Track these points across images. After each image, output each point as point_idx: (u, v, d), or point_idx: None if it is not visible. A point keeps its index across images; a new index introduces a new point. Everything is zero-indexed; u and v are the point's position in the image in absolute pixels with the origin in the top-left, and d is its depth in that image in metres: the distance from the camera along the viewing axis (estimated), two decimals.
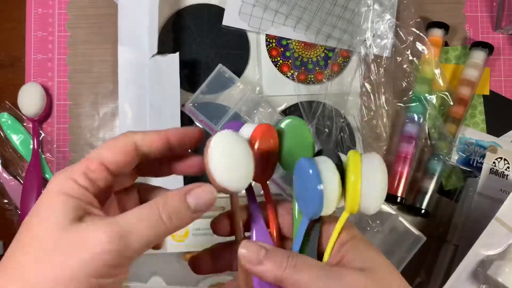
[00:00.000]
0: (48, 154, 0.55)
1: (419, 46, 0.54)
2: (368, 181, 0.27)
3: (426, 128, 0.55)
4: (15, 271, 0.23)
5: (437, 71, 0.54)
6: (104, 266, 0.23)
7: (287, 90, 0.56)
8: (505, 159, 0.50)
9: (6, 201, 0.54)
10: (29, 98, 0.53)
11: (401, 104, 0.55)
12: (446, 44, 0.58)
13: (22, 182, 0.54)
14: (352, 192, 0.27)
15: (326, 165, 0.28)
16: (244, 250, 0.27)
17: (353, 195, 0.27)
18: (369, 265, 0.27)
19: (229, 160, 0.27)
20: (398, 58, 0.55)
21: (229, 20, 0.56)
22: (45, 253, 0.23)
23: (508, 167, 0.50)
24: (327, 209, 0.28)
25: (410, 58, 0.55)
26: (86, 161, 0.27)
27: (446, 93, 0.54)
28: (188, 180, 0.54)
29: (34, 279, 0.22)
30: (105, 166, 0.27)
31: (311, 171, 0.27)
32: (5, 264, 0.23)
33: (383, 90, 0.55)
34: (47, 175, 0.54)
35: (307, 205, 0.28)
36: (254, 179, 0.29)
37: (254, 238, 0.30)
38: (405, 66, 0.55)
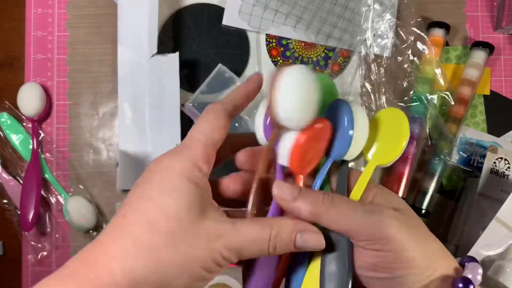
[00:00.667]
0: (47, 154, 0.55)
1: (420, 46, 0.54)
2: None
3: (427, 128, 0.55)
4: (148, 250, 0.24)
5: (438, 71, 0.54)
6: (216, 267, 0.25)
7: None
8: (505, 159, 0.50)
9: (5, 201, 0.54)
10: (29, 98, 0.53)
11: (402, 104, 0.55)
12: (446, 44, 0.58)
13: (21, 182, 0.54)
14: (393, 147, 0.30)
15: (359, 111, 0.30)
16: (277, 189, 0.28)
17: (394, 150, 0.30)
18: (399, 206, 0.28)
19: (298, 92, 0.27)
20: (398, 57, 0.55)
21: (229, 19, 0.56)
22: (175, 237, 0.24)
23: (509, 167, 0.50)
24: (352, 154, 0.30)
25: (411, 58, 0.55)
26: (204, 146, 0.27)
27: (447, 92, 0.54)
28: None
29: (166, 254, 0.24)
30: (216, 148, 0.28)
31: (346, 115, 0.29)
32: (136, 243, 0.24)
33: (383, 90, 0.55)
34: (46, 175, 0.54)
35: (334, 146, 0.30)
36: (292, 169, 0.29)
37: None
38: (405, 65, 0.55)
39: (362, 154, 0.31)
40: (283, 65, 0.29)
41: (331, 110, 0.30)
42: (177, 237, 0.24)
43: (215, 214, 0.26)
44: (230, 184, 0.30)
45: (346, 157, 0.30)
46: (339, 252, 0.29)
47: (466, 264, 0.28)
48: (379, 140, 0.31)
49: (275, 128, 0.29)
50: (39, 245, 0.54)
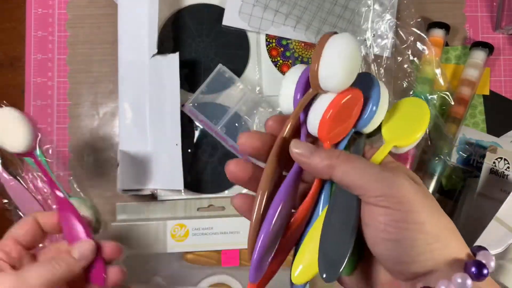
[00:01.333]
0: (48, 152, 0.55)
1: (420, 46, 0.54)
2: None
3: (427, 128, 0.55)
4: None
5: (437, 71, 0.54)
6: None
7: None
8: (505, 159, 0.50)
9: (5, 200, 0.54)
10: (11, 133, 0.41)
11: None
12: (446, 44, 0.58)
13: (22, 182, 0.54)
14: (412, 132, 0.31)
15: (383, 87, 0.31)
16: (295, 146, 0.29)
17: (412, 135, 0.31)
18: (417, 181, 0.29)
19: (345, 56, 0.28)
20: (398, 58, 0.55)
21: (229, 20, 0.56)
22: None
23: (508, 167, 0.50)
24: (370, 127, 0.31)
25: (411, 58, 0.55)
26: (4, 240, 0.39)
27: (447, 93, 0.54)
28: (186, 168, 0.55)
29: None
30: (19, 242, 0.39)
31: (374, 88, 0.31)
32: None
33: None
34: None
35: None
36: (321, 136, 0.30)
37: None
38: (405, 66, 0.55)
39: (379, 133, 0.33)
40: (330, 33, 0.29)
41: (357, 82, 0.31)
42: None
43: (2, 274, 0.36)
44: (247, 140, 0.31)
45: (365, 130, 0.32)
46: (345, 214, 0.28)
47: (477, 252, 0.27)
48: (399, 123, 0.32)
49: (308, 93, 0.30)
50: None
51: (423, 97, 0.54)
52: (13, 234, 0.39)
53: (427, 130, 0.55)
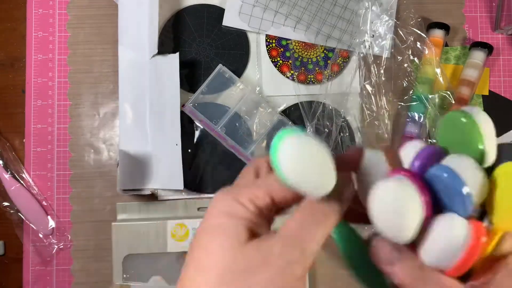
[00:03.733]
0: (48, 155, 0.55)
1: (420, 46, 0.55)
2: None
3: (427, 128, 0.55)
4: None
5: (438, 71, 0.54)
6: (292, 278, 0.22)
7: (287, 90, 0.56)
8: None
9: (6, 203, 0.54)
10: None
11: (402, 103, 0.56)
12: (445, 44, 0.58)
13: (23, 183, 0.54)
14: None
15: (467, 166, 0.24)
16: (376, 248, 0.26)
17: None
18: None
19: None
20: (398, 57, 0.55)
21: (229, 20, 0.56)
22: (228, 274, 0.22)
23: None
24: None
25: (411, 58, 0.55)
26: (255, 188, 0.25)
27: (448, 92, 0.54)
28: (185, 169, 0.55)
29: None
30: (273, 198, 0.25)
31: (447, 177, 0.24)
32: (186, 286, 0.23)
33: (383, 90, 0.55)
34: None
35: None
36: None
37: None
38: (405, 65, 0.55)
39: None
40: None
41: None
42: (230, 272, 0.22)
43: (267, 235, 0.24)
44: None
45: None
46: None
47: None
48: (502, 200, 0.25)
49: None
50: (40, 245, 0.54)
51: (423, 97, 0.54)
52: (269, 186, 0.25)
53: (427, 130, 0.55)
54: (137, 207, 0.54)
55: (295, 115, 0.56)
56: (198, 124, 0.55)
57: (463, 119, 0.25)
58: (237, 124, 0.55)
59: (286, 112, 0.57)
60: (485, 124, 0.25)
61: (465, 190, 0.23)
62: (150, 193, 0.53)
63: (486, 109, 0.57)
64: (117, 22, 0.54)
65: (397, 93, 0.56)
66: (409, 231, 0.24)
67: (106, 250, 0.54)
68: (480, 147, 0.25)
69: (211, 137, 0.55)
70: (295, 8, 0.56)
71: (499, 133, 0.57)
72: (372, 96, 0.56)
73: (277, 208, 0.26)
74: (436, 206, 0.25)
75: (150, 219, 0.53)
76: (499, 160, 0.25)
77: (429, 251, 0.24)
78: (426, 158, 0.26)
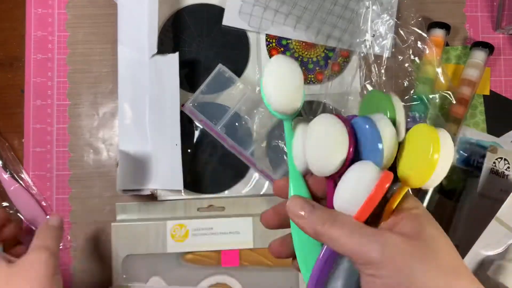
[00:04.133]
0: (47, 155, 0.55)
1: (421, 45, 0.54)
2: (444, 161, 0.27)
3: None
4: None
5: (438, 70, 0.54)
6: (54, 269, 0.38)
7: None
8: (505, 159, 0.50)
9: (5, 204, 0.54)
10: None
11: (402, 103, 0.55)
12: (446, 44, 0.58)
13: (22, 184, 0.54)
14: (427, 168, 0.27)
15: (384, 122, 0.29)
16: (290, 203, 0.31)
17: (427, 170, 0.27)
18: (417, 232, 0.27)
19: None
20: (399, 57, 0.55)
21: (229, 20, 0.56)
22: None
23: (509, 167, 0.50)
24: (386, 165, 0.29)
25: (412, 57, 0.55)
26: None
27: (449, 92, 0.54)
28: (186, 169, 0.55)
29: None
30: None
31: (368, 128, 0.29)
32: None
33: (384, 90, 0.55)
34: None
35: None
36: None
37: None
38: (406, 65, 0.55)
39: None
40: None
41: (357, 127, 0.30)
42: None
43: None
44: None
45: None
46: (346, 279, 0.29)
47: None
48: (413, 158, 0.29)
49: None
50: None
51: (424, 97, 0.54)
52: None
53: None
54: (137, 207, 0.54)
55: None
56: (198, 124, 0.55)
57: (380, 94, 0.33)
58: (237, 124, 0.54)
59: None
60: (397, 103, 0.32)
61: (380, 144, 0.28)
62: (150, 193, 0.53)
63: (487, 109, 0.57)
64: (117, 22, 0.54)
65: (397, 93, 0.55)
66: (335, 161, 0.28)
67: (105, 250, 0.54)
68: (392, 116, 0.31)
69: (211, 137, 0.55)
70: (296, 8, 0.56)
71: (499, 133, 0.56)
72: None
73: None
74: (355, 154, 0.29)
75: (150, 219, 0.53)
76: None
77: (341, 192, 0.28)
78: (352, 116, 0.31)
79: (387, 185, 0.27)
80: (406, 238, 0.26)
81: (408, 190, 0.30)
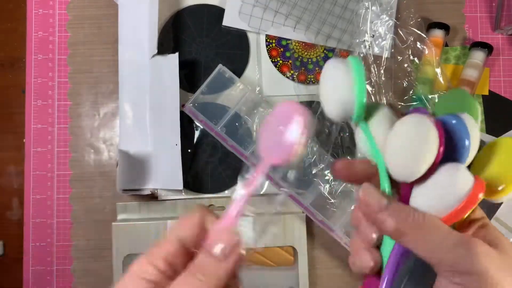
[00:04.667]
0: (48, 155, 0.55)
1: (420, 46, 0.55)
2: None
3: None
4: None
5: (438, 71, 0.54)
6: None
7: (287, 90, 0.56)
8: None
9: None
10: None
11: (402, 104, 0.56)
12: (445, 44, 0.58)
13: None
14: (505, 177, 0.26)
15: (470, 122, 0.27)
16: (364, 193, 0.26)
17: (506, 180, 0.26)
18: (499, 243, 0.25)
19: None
20: (398, 57, 0.55)
21: (229, 20, 0.56)
22: None
23: None
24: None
25: (411, 58, 0.55)
26: (166, 243, 0.26)
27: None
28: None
29: None
30: (184, 244, 0.26)
31: (456, 124, 0.26)
32: None
33: (383, 90, 0.55)
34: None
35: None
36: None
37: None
38: (405, 65, 0.55)
39: None
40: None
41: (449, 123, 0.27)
42: None
43: None
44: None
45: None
46: (418, 280, 0.27)
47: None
48: (492, 169, 0.27)
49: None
50: (40, 245, 0.54)
51: (423, 97, 0.54)
52: (176, 235, 0.26)
53: None
54: (137, 207, 0.54)
55: None
56: (198, 124, 0.55)
57: (463, 93, 0.30)
58: (237, 124, 0.55)
59: None
60: (478, 106, 0.29)
61: (467, 141, 0.25)
62: (150, 193, 0.53)
63: (486, 109, 0.57)
64: (117, 22, 0.54)
65: (397, 93, 0.56)
66: (424, 164, 0.25)
67: (106, 250, 0.54)
68: (476, 118, 0.28)
69: (211, 137, 0.55)
70: (295, 8, 0.56)
71: (499, 133, 0.57)
72: (372, 96, 0.56)
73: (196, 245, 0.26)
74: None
75: (150, 219, 0.53)
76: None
77: (427, 194, 0.26)
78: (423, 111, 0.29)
79: (481, 195, 0.25)
80: (495, 249, 0.25)
81: None
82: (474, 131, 0.26)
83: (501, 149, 0.27)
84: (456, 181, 0.25)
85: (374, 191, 0.26)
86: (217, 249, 0.24)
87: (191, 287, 0.24)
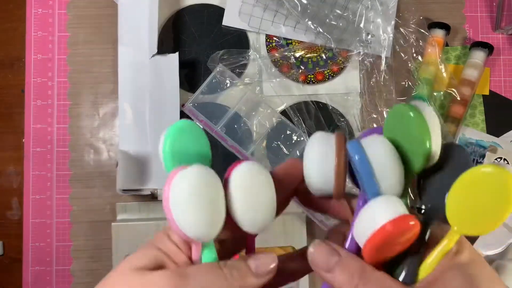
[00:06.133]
0: (48, 155, 0.55)
1: (421, 45, 0.54)
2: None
3: None
4: None
5: (441, 68, 0.54)
6: None
7: (287, 90, 0.56)
8: (504, 159, 0.50)
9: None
10: None
11: (403, 103, 0.56)
12: (446, 44, 0.58)
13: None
14: (500, 217, 0.22)
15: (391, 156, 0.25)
16: (313, 250, 0.25)
17: (498, 220, 0.22)
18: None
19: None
20: (399, 57, 0.55)
21: (229, 20, 0.56)
22: None
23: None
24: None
25: (412, 57, 0.55)
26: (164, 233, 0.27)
27: (454, 89, 0.54)
28: None
29: None
30: None
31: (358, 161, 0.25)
32: None
33: (383, 90, 0.55)
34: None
35: None
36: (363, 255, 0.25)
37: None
38: (407, 64, 0.55)
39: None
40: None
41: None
42: None
43: (165, 270, 0.24)
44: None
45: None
46: None
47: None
48: (470, 203, 0.23)
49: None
50: (39, 245, 0.54)
51: (424, 96, 0.54)
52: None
53: None
54: (137, 207, 0.54)
55: (295, 115, 0.56)
56: (198, 124, 0.55)
57: (411, 113, 0.24)
58: (237, 124, 0.54)
59: (286, 113, 0.56)
60: (433, 121, 0.25)
61: (372, 175, 0.24)
62: (150, 193, 0.53)
63: (486, 109, 0.57)
64: (117, 22, 0.54)
65: (398, 92, 0.55)
66: (267, 215, 0.24)
67: (106, 250, 0.54)
68: (428, 146, 0.24)
69: (211, 137, 0.55)
70: (295, 8, 0.56)
71: (499, 133, 0.57)
72: (372, 95, 0.56)
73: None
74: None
75: (150, 219, 0.53)
76: (443, 159, 0.26)
77: (356, 228, 0.24)
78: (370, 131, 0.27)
79: (392, 228, 0.23)
80: None
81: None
82: (387, 158, 0.25)
83: (476, 184, 0.23)
84: (372, 214, 0.23)
85: (324, 246, 0.25)
86: (258, 267, 0.25)
87: (217, 277, 0.23)
